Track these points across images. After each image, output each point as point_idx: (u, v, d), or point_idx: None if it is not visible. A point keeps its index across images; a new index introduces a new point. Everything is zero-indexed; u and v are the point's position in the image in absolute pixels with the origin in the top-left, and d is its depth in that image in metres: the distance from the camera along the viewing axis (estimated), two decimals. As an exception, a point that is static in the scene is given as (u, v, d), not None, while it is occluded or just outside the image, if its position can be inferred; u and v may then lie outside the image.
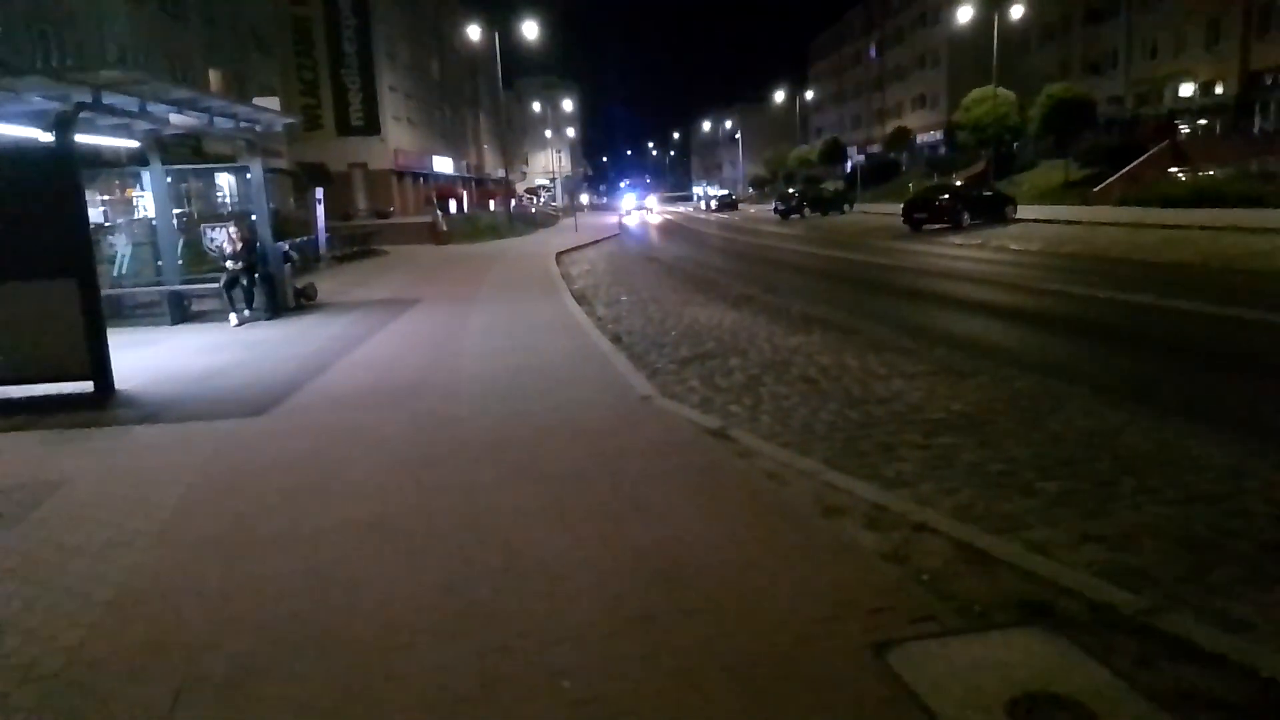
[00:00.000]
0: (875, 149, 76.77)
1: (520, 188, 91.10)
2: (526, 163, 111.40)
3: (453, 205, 54.40)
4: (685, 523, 4.36)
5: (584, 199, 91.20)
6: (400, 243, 31.82)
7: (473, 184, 73.42)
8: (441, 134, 67.83)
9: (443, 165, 66.13)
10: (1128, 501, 4.66)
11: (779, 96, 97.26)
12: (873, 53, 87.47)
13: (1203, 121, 39.18)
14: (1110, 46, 53.14)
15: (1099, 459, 5.34)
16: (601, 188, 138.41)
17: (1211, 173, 29.96)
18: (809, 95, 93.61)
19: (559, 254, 25.34)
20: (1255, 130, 35.06)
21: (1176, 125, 39.01)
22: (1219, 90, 43.41)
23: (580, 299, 14.59)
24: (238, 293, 12.84)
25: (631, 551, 4.03)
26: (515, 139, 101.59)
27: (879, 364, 8.33)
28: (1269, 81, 40.75)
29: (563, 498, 4.81)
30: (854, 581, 3.62)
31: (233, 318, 12.64)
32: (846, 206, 48.69)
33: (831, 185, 55.66)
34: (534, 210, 62.40)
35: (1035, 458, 5.43)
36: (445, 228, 34.69)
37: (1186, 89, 45.93)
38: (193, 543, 4.45)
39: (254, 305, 13.03)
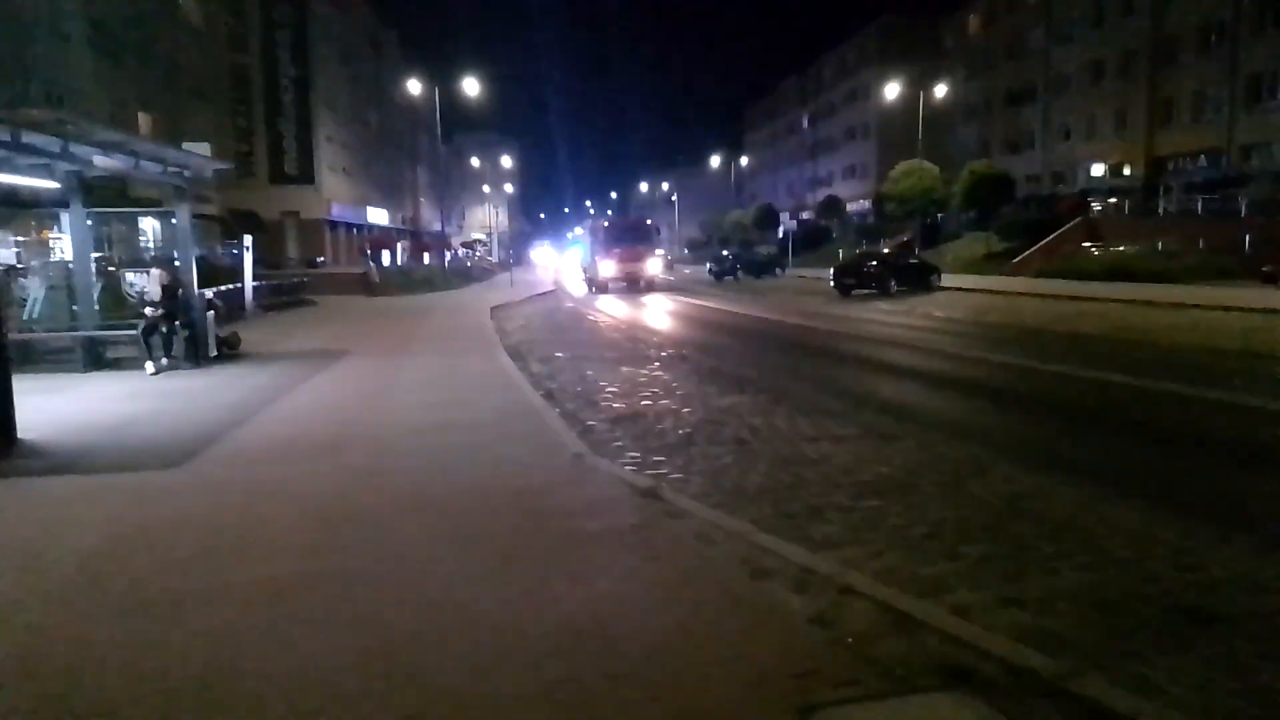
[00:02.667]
0: (807, 215, 79.11)
1: (457, 241, 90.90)
2: (464, 216, 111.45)
3: (387, 257, 53.96)
4: (614, 584, 4.31)
5: (538, 253, 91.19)
6: (332, 293, 31.34)
7: (409, 236, 73.06)
8: (378, 185, 67.59)
9: (378, 217, 65.74)
10: (1046, 565, 4.77)
11: (715, 161, 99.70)
12: (805, 124, 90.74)
13: (1113, 200, 41.44)
14: (1028, 128, 56.23)
15: (1018, 523, 5.48)
16: (537, 243, 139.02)
17: (1122, 249, 31.61)
18: (744, 161, 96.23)
19: (494, 309, 25.25)
20: (1160, 211, 37.18)
21: (1089, 203, 41.20)
22: (1127, 171, 46.12)
23: (514, 354, 14.50)
24: (156, 340, 12.44)
25: (558, 613, 3.96)
26: (453, 193, 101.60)
27: (808, 426, 8.44)
28: (1171, 166, 43.49)
29: (489, 557, 4.72)
30: (781, 645, 3.62)
31: (149, 366, 12.22)
32: (779, 270, 49.77)
33: (765, 249, 56.89)
34: (470, 264, 62.33)
35: (958, 521, 5.54)
36: (378, 279, 34.37)
37: (1098, 169, 48.73)
38: (94, 603, 4.22)
39: (173, 353, 12.63)
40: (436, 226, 63.74)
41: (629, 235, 36.49)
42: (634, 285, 34.83)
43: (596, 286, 35.77)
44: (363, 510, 5.65)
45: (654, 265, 36.22)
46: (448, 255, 57.76)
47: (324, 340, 16.82)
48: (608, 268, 34.90)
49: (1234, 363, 12.18)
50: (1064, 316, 19.48)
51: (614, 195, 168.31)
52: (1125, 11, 46.67)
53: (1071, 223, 37.63)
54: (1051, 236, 37.03)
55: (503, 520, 5.38)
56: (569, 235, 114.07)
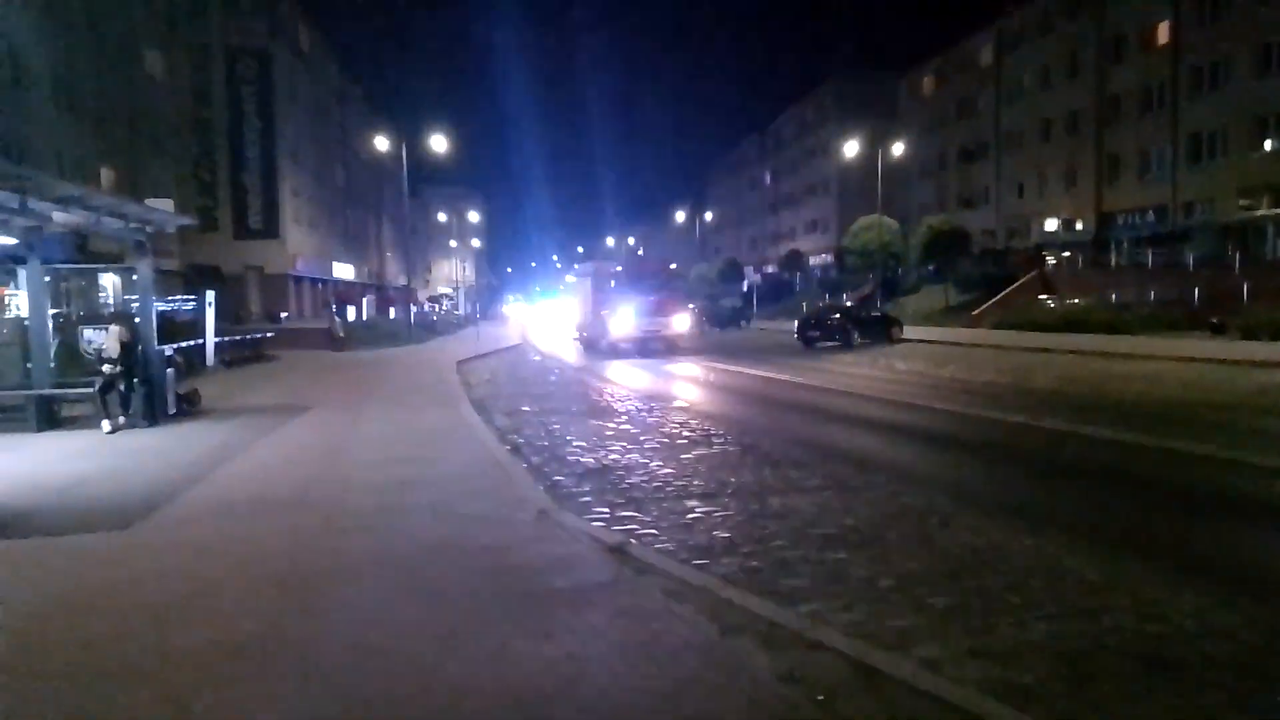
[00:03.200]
0: (770, 269, 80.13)
1: (423, 296, 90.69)
2: (430, 271, 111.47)
3: (352, 311, 53.61)
4: (580, 643, 4.24)
5: (510, 308, 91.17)
6: (296, 348, 30.99)
7: (374, 291, 72.78)
8: (344, 239, 67.47)
9: (343, 271, 65.49)
10: (1012, 617, 4.78)
11: (679, 216, 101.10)
12: (767, 179, 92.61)
13: (1066, 254, 42.54)
14: (982, 183, 57.87)
15: (984, 574, 5.49)
16: (506, 297, 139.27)
17: (1075, 301, 32.41)
18: (708, 216, 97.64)
19: (459, 362, 25.12)
20: (1111, 264, 38.22)
21: (1044, 256, 42.27)
22: (1079, 226, 47.51)
23: (479, 408, 14.41)
24: (113, 397, 12.17)
25: (522, 674, 3.88)
26: (419, 247, 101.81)
27: (775, 478, 8.44)
28: (1121, 221, 44.88)
29: (452, 617, 4.63)
30: (750, 703, 3.57)
31: (106, 424, 11.93)
32: (743, 322, 50.21)
33: (729, 302, 57.40)
34: (435, 318, 62.13)
35: (924, 573, 5.54)
36: (343, 334, 34.06)
37: (1051, 224, 50.13)
38: (36, 672, 4.05)
39: (131, 411, 12.35)
40: (402, 280, 63.56)
41: (650, 282, 30.10)
42: (655, 347, 28.08)
43: (603, 347, 28.79)
44: (322, 569, 5.53)
45: (682, 321, 28.82)
46: (414, 309, 57.54)
47: (286, 395, 16.58)
48: (622, 324, 27.99)
49: (1186, 411, 12.44)
50: (1022, 367, 19.84)
51: (580, 249, 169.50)
52: (1070, 73, 48.52)
53: (1027, 276, 38.58)
54: (1008, 289, 37.90)
55: (466, 578, 5.29)
56: (536, 288, 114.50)
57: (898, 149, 47.60)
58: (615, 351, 28.03)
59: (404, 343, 36.17)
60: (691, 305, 33.38)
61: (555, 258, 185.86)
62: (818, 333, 30.09)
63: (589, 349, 31.22)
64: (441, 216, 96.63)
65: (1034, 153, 51.78)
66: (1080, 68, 47.82)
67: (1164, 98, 42.09)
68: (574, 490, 8.22)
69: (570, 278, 45.82)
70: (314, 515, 6.99)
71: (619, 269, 32.21)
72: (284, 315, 47.90)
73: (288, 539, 6.28)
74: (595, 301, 30.46)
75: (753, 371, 21.11)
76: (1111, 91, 45.59)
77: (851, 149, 48.86)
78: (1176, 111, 41.28)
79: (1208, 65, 39.52)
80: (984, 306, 37.34)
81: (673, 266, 35.53)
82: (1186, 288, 30.31)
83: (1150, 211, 43.08)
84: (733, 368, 22.48)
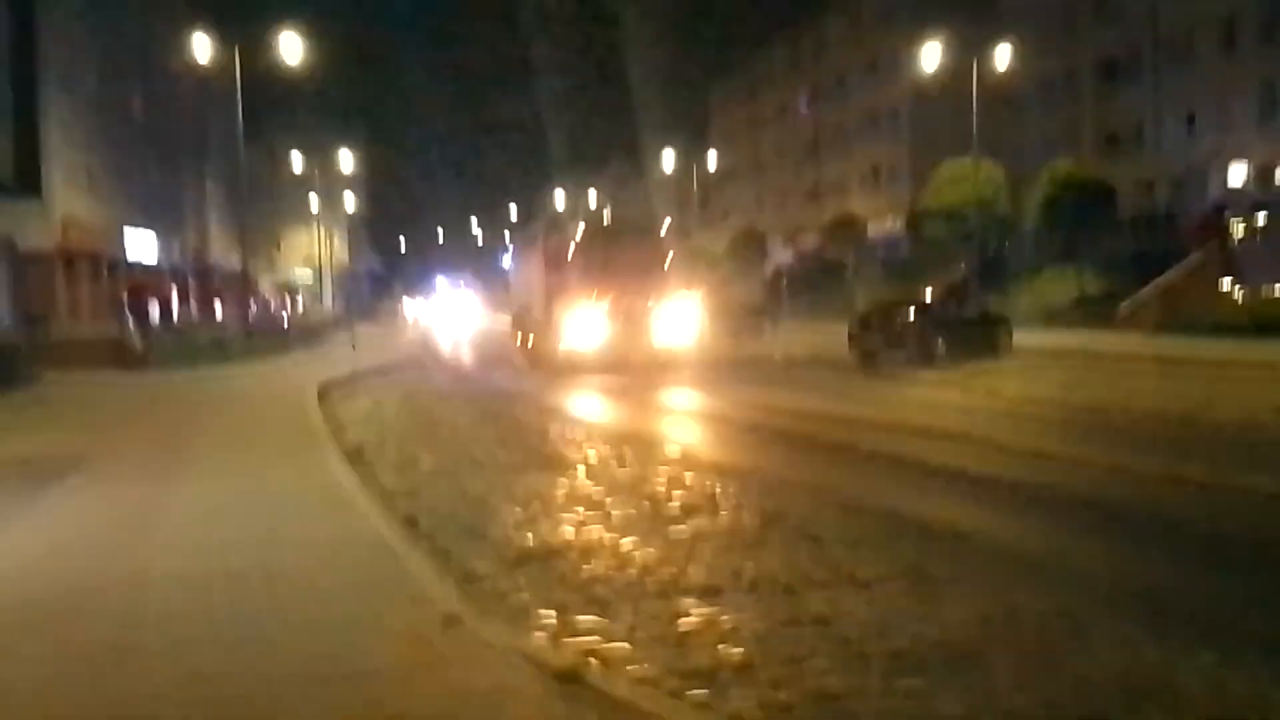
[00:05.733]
0: (809, 243, 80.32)
1: (267, 284, 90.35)
2: (279, 247, 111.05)
3: (156, 310, 53.30)
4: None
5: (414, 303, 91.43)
6: (70, 366, 30.74)
7: (192, 278, 72.32)
8: (144, 201, 66.98)
9: (144, 248, 65.00)
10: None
11: (667, 161, 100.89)
12: (803, 107, 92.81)
13: (1263, 219, 42.84)
14: (1134, 114, 58.17)
15: (1142, 715, 5.49)
16: (397, 286, 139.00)
17: (1278, 290, 32.70)
18: (711, 161, 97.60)
19: (325, 387, 25.01)
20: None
21: (1228, 223, 42.61)
22: (1280, 177, 47.91)
23: (356, 458, 14.32)
24: None
25: None
26: (262, 212, 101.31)
27: (815, 564, 8.41)
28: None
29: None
30: None
31: None
32: (768, 325, 50.32)
33: (746, 294, 57.60)
34: (288, 318, 61.98)
35: (1048, 715, 5.52)
36: (142, 345, 33.85)
37: (1238, 174, 50.48)
38: None
39: None
40: (235, 262, 63.23)
41: (631, 255, 29.12)
42: (639, 362, 27.46)
43: (557, 362, 28.57)
44: (104, 715, 5.43)
45: (682, 320, 28.44)
46: (253, 307, 57.31)
47: (51, 443, 16.42)
48: (586, 326, 27.43)
49: None
50: (1196, 393, 19.93)
51: (515, 210, 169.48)
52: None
53: (1202, 253, 38.84)
54: (1174, 273, 38.14)
55: (331, 726, 5.22)
56: (446, 277, 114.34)
57: (1003, 59, 47.78)
58: (574, 369, 27.68)
59: (238, 358, 36.00)
60: (696, 291, 32.24)
61: (476, 224, 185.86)
62: (881, 341, 30.20)
63: (535, 364, 31.11)
64: (297, 165, 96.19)
65: (1211, 67, 52.30)
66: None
67: None
68: (502, 585, 8.16)
69: (510, 251, 44.39)
70: (96, 627, 6.90)
71: (581, 233, 31.08)
72: (44, 317, 47.34)
73: (53, 666, 6.18)
74: (545, 288, 29.78)
75: (781, 402, 21.16)
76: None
77: (934, 57, 48.88)
78: None
79: None
80: (1137, 298, 37.61)
81: (666, 224, 35.94)
82: None
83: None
84: (749, 396, 22.52)
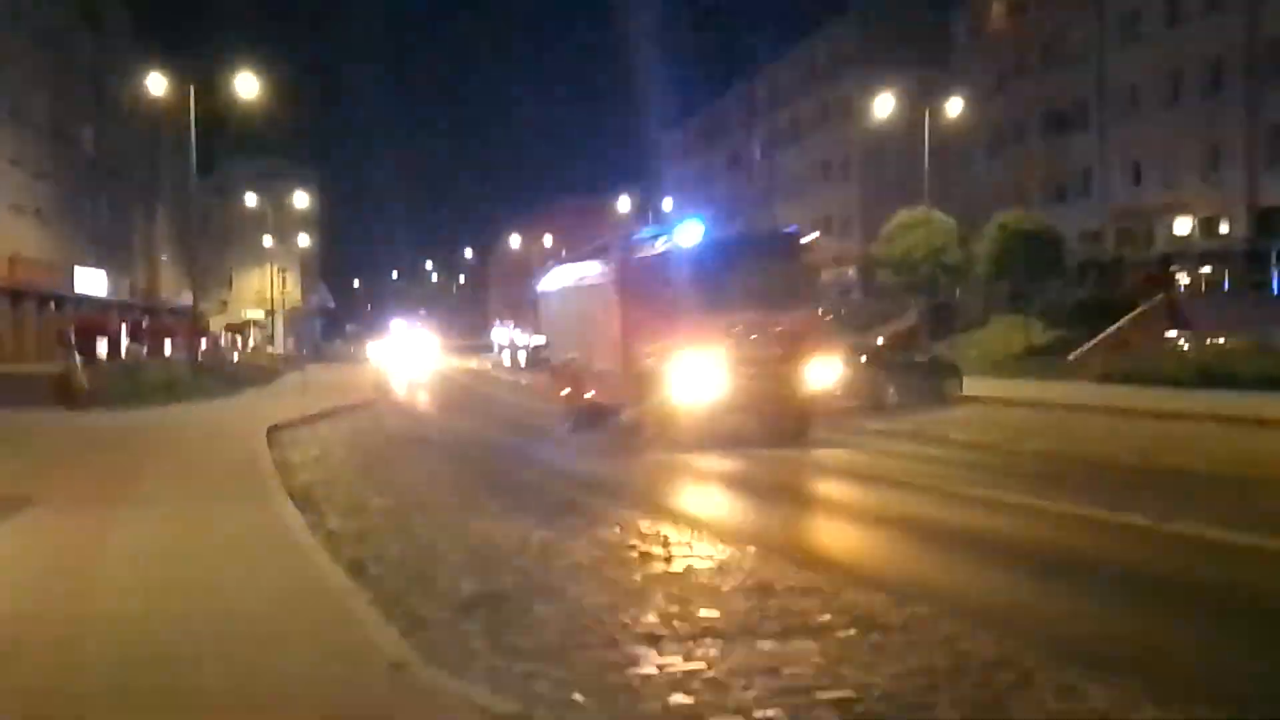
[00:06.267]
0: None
1: (218, 323, 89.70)
2: (231, 285, 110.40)
3: (103, 347, 52.69)
4: None
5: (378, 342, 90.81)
6: (10, 405, 30.32)
7: (140, 315, 71.73)
8: (92, 237, 66.57)
9: (91, 284, 64.48)
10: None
11: (621, 206, 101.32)
12: (756, 154, 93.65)
13: (1207, 270, 43.67)
14: (1081, 164, 59.14)
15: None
16: (350, 326, 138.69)
17: (1221, 342, 33.21)
18: (666, 207, 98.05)
19: (274, 429, 24.81)
20: (1274, 285, 39.30)
21: (1173, 274, 43.34)
22: (1225, 229, 48.71)
23: (304, 503, 14.19)
24: None
25: None
26: (215, 249, 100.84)
27: (766, 611, 8.41)
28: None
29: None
30: None
31: None
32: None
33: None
34: (236, 357, 61.43)
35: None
36: (87, 383, 33.41)
37: (1183, 225, 51.31)
38: None
39: None
40: (186, 300, 62.75)
41: (757, 278, 21.49)
42: (767, 428, 21.96)
43: (641, 428, 22.44)
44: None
45: (820, 370, 21.51)
46: (201, 345, 56.82)
47: (-8, 481, 16.15)
48: (697, 372, 20.31)
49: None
50: (1143, 442, 20.19)
51: (469, 253, 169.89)
52: (1207, 5, 50.16)
53: (1148, 303, 39.45)
54: (1121, 323, 38.69)
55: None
56: (403, 316, 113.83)
57: (954, 109, 48.47)
58: (683, 437, 20.83)
59: (187, 397, 35.60)
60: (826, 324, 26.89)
61: (430, 266, 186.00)
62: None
63: (584, 423, 25.13)
64: (250, 201, 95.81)
65: (1157, 118, 53.22)
66: (1222, -5, 49.59)
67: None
68: (451, 632, 8.09)
69: (553, 278, 29.61)
70: (28, 675, 6.80)
71: (675, 248, 22.18)
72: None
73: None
74: (620, 325, 22.28)
75: (735, 450, 21.17)
76: (1268, 31, 47.22)
77: (886, 107, 49.50)
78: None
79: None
80: (1084, 348, 38.08)
81: (813, 238, 26.88)
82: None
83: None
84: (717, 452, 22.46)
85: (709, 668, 7.00)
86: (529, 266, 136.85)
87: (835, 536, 12.94)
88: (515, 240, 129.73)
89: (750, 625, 8.08)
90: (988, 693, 6.54)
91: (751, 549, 10.85)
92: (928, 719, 6.12)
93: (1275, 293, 38.82)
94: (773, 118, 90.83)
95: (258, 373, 53.25)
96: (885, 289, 52.47)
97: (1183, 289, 41.91)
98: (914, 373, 31.35)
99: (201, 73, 41.53)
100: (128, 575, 9.66)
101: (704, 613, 8.42)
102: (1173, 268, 44.46)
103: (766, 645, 7.57)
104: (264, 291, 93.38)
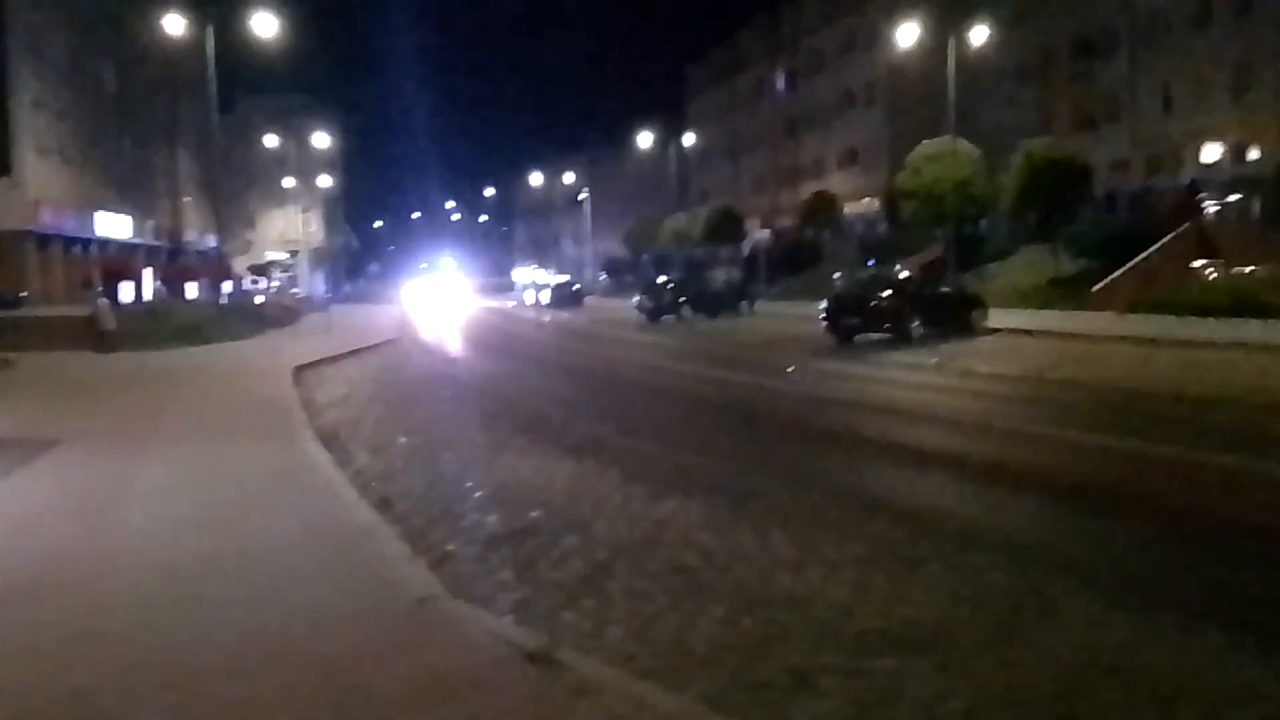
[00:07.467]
0: (786, 223, 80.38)
1: (242, 264, 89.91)
2: (254, 226, 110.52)
3: (129, 291, 53.00)
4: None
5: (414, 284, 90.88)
6: (42, 347, 30.59)
7: (165, 257, 71.95)
8: (115, 179, 66.60)
9: (116, 227, 64.67)
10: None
11: (645, 141, 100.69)
12: (780, 85, 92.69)
13: (1235, 199, 43.06)
14: (1110, 92, 58.34)
15: (1106, 690, 5.53)
16: (373, 266, 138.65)
17: (1250, 270, 32.85)
18: (688, 141, 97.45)
19: (300, 369, 24.94)
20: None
21: (1202, 203, 42.78)
22: (1253, 155, 48.13)
23: (330, 440, 14.29)
24: None
25: None
26: (237, 190, 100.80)
27: (787, 544, 8.44)
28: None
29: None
30: None
31: None
32: (745, 305, 50.41)
33: (724, 274, 57.64)
34: (264, 300, 61.61)
35: (1015, 690, 5.55)
36: (115, 326, 33.64)
37: (1212, 153, 50.69)
38: None
39: None
40: (209, 242, 62.92)
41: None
42: None
43: None
44: (73, 696, 5.41)
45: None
46: (226, 287, 57.00)
47: (21, 422, 16.30)
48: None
49: None
50: (1171, 372, 20.08)
51: (490, 192, 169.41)
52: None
53: (1176, 231, 39.00)
54: (1148, 253, 38.27)
55: (300, 714, 5.20)
56: (422, 266, 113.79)
57: (979, 36, 47.83)
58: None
59: (212, 339, 35.84)
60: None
61: (452, 204, 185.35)
62: (858, 320, 30.20)
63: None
64: (272, 141, 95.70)
65: (1187, 44, 52.48)
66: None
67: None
68: (476, 567, 8.16)
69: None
70: (62, 611, 6.88)
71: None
72: (22, 296, 47.16)
73: (19, 651, 6.15)
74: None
75: (749, 379, 21.21)
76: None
77: (910, 36, 48.92)
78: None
79: None
80: (1112, 279, 37.70)
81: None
82: None
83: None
84: (719, 374, 22.54)
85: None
86: (552, 204, 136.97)
87: (847, 470, 12.98)
88: (537, 178, 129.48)
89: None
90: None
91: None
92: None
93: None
94: (796, 47, 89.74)
95: (283, 313, 53.46)
96: (911, 221, 52.01)
97: (1212, 217, 41.30)
98: (940, 304, 31.19)
99: (221, 8, 41.28)
100: (155, 514, 9.73)
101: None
102: (1200, 195, 43.80)
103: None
104: (287, 232, 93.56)
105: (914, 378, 21.19)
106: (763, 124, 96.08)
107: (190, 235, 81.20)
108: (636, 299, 51.15)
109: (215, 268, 54.15)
